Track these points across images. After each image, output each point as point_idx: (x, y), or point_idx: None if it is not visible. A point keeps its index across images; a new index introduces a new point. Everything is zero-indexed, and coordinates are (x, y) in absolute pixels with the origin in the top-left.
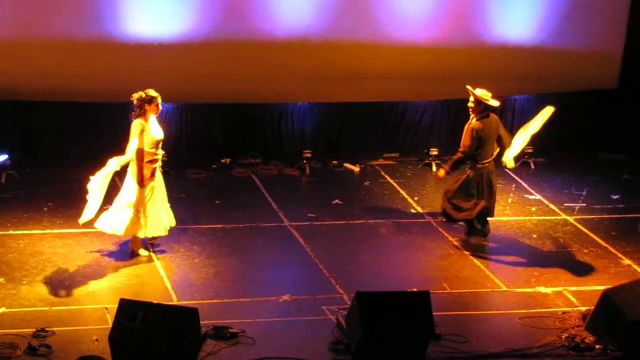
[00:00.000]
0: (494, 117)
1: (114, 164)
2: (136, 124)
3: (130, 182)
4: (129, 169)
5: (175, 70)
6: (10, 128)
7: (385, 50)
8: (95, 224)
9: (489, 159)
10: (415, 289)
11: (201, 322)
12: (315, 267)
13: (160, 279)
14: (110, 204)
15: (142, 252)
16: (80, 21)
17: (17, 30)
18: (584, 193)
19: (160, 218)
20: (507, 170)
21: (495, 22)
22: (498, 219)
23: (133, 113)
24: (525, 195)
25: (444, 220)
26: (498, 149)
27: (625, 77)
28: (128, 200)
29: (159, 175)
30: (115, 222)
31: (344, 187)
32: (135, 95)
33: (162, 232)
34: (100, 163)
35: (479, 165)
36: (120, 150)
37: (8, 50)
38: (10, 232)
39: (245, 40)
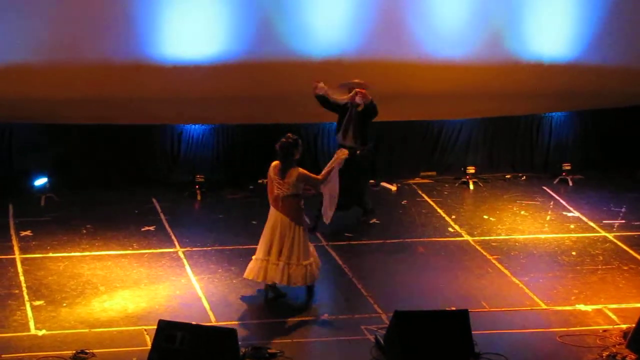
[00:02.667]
0: None
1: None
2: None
3: None
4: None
5: (211, 91)
6: (49, 151)
7: (420, 69)
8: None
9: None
10: (454, 308)
11: (239, 342)
12: (354, 286)
13: (199, 300)
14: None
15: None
16: (117, 45)
17: (54, 55)
18: (622, 210)
19: None
20: (545, 188)
21: (531, 40)
22: (536, 237)
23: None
24: (564, 213)
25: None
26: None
27: None
28: None
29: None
30: None
31: (381, 206)
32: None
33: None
34: (137, 185)
35: None
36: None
37: (46, 74)
38: (50, 254)
39: (280, 60)
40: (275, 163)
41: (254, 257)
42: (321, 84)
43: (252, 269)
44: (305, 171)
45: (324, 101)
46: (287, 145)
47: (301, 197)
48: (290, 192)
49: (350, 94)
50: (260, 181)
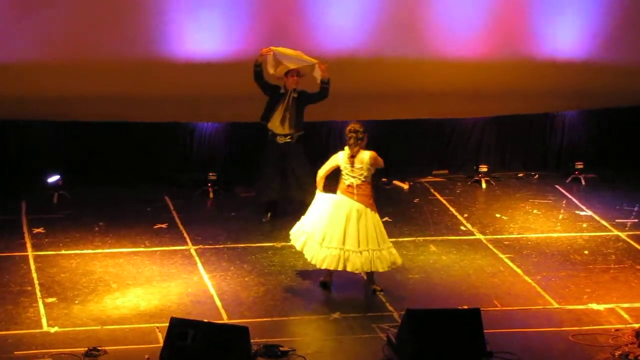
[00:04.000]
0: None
1: None
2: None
3: None
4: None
5: (224, 89)
6: (61, 148)
7: (433, 67)
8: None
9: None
10: (466, 307)
11: (252, 340)
12: (365, 284)
13: (211, 298)
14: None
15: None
16: (130, 42)
17: (66, 52)
18: (635, 209)
19: None
20: (557, 186)
21: (544, 38)
22: (549, 236)
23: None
24: (576, 212)
25: None
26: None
27: None
28: None
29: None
30: None
31: (393, 205)
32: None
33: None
34: (149, 183)
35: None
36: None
37: (59, 71)
38: (62, 251)
39: None
40: (342, 152)
41: (324, 246)
42: (270, 54)
43: (330, 258)
44: (375, 153)
45: (259, 76)
46: (357, 131)
47: (371, 183)
48: (363, 178)
49: (301, 73)
50: None
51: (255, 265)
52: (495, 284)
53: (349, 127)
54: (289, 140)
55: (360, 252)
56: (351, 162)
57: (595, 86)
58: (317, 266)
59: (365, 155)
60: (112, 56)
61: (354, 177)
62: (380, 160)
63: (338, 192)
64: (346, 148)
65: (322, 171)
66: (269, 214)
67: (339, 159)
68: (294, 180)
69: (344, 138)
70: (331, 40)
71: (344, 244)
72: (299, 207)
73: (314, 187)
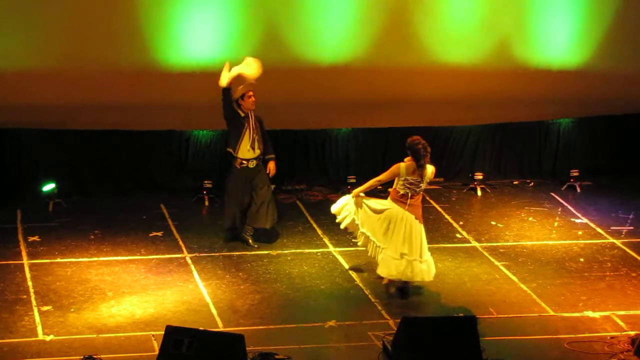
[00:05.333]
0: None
1: None
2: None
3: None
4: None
5: (219, 97)
6: (57, 157)
7: (428, 75)
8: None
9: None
10: (461, 314)
11: (247, 348)
12: (361, 292)
13: (206, 306)
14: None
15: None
16: (124, 51)
17: (62, 61)
18: (631, 216)
19: None
20: (553, 194)
21: (539, 46)
22: (544, 243)
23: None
24: (572, 219)
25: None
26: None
27: None
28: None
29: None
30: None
31: None
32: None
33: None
34: (145, 191)
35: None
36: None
37: (54, 80)
38: (58, 260)
39: (288, 67)
40: (406, 164)
41: (389, 255)
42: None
43: (395, 267)
44: (435, 168)
45: (227, 95)
46: (424, 144)
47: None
48: (420, 190)
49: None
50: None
51: (251, 274)
52: (490, 292)
53: (416, 140)
54: (258, 162)
55: (419, 262)
56: (414, 174)
57: (591, 94)
58: (386, 276)
59: (429, 169)
60: (107, 65)
61: (410, 188)
62: (434, 172)
63: (389, 199)
64: (407, 159)
65: (379, 179)
66: (250, 240)
67: (402, 169)
68: (258, 206)
69: (339, 145)
70: (326, 49)
71: (403, 253)
72: (295, 216)
73: (275, 211)
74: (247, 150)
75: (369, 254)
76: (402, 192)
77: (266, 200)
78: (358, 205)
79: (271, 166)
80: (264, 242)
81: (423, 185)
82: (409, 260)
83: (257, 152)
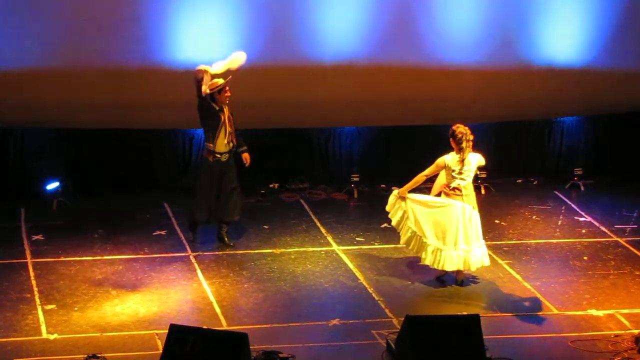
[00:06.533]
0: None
1: None
2: None
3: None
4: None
5: None
6: (60, 155)
7: (432, 74)
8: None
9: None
10: (465, 313)
11: (251, 347)
12: (365, 290)
13: (210, 304)
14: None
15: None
16: (128, 50)
17: (66, 59)
18: (635, 215)
19: None
20: (557, 192)
21: (543, 44)
22: (548, 241)
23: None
24: (575, 217)
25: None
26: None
27: None
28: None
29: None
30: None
31: None
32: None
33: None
34: (148, 190)
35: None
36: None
37: (58, 78)
38: (62, 258)
39: (291, 65)
40: (450, 155)
41: (442, 249)
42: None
43: (451, 259)
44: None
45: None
46: (465, 133)
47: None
48: (470, 179)
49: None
50: (271, 185)
51: (255, 272)
52: (494, 290)
53: (459, 129)
54: (230, 155)
55: (474, 250)
56: (462, 164)
57: (594, 92)
58: (441, 268)
59: (474, 157)
60: (111, 63)
61: (462, 178)
62: (484, 160)
63: (443, 195)
64: (453, 152)
65: (425, 174)
66: (195, 233)
67: (447, 161)
68: (227, 196)
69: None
70: (329, 47)
71: (455, 244)
72: (298, 214)
73: (242, 204)
74: (224, 145)
75: (410, 248)
76: (453, 184)
77: (235, 190)
78: (406, 203)
79: (246, 156)
80: (234, 239)
81: (472, 174)
82: (466, 251)
83: (231, 145)
